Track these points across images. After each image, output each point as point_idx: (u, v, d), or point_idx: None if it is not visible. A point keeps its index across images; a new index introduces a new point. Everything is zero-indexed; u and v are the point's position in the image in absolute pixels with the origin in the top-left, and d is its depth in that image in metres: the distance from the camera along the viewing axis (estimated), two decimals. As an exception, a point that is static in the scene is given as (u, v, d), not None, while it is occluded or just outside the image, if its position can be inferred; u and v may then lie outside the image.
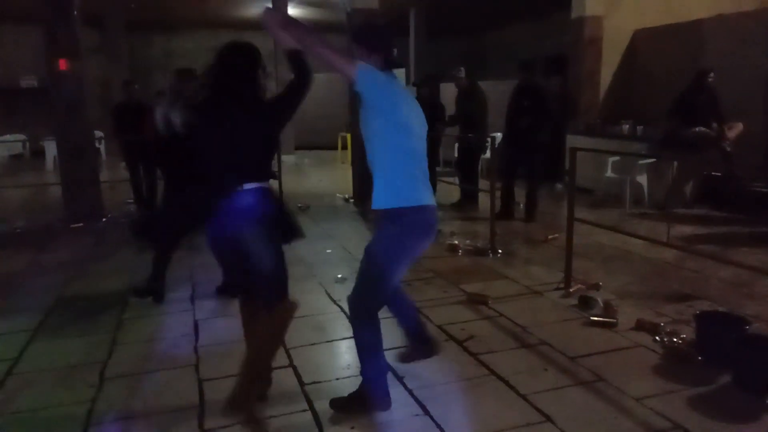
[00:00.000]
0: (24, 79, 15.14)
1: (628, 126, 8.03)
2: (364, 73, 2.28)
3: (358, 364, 2.67)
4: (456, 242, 5.58)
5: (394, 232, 2.40)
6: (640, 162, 7.14)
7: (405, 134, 2.38)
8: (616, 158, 7.39)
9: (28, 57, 14.15)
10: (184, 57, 17.25)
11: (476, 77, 7.64)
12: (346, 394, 2.71)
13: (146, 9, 14.10)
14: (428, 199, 2.46)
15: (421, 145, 2.47)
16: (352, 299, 2.54)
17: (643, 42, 8.89)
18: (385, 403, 2.63)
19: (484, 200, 7.11)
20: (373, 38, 2.45)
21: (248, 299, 2.73)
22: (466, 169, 7.77)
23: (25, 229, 6.80)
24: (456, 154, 8.65)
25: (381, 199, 2.39)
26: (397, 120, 2.35)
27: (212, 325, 3.76)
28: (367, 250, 2.47)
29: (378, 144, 2.38)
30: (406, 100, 2.43)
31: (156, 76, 16.35)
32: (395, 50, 2.48)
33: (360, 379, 2.67)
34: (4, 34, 14.88)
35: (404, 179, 2.39)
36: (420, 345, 2.83)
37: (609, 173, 7.52)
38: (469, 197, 7.62)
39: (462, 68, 7.42)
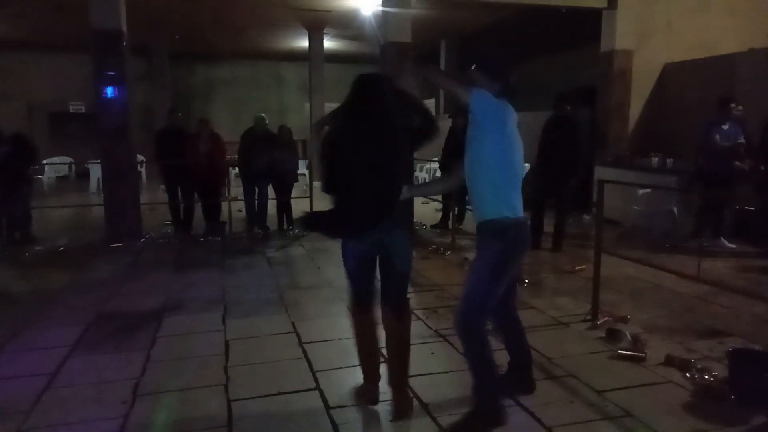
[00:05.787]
0: (73, 105, 15.89)
1: (657, 159, 7.97)
2: (477, 96, 2.60)
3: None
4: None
5: (499, 248, 2.62)
6: (670, 195, 7.06)
7: (510, 149, 2.64)
8: (646, 190, 7.33)
9: (77, 84, 14.83)
10: (225, 86, 17.90)
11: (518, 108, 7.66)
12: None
13: (189, 40, 14.72)
14: (522, 212, 2.72)
15: (521, 164, 2.73)
16: (460, 314, 2.69)
17: (674, 75, 8.86)
18: (502, 417, 2.72)
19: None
20: (495, 68, 2.74)
21: (367, 309, 2.93)
22: None
23: (68, 248, 7.07)
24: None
25: (489, 208, 2.64)
26: (503, 136, 2.62)
27: (242, 346, 3.85)
28: (475, 264, 2.70)
29: (486, 157, 2.62)
30: (512, 121, 2.68)
31: (197, 104, 16.95)
32: (511, 80, 2.76)
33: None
34: (56, 62, 15.67)
35: (508, 189, 2.65)
36: (516, 374, 3.03)
37: (638, 206, 7.45)
38: None
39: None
